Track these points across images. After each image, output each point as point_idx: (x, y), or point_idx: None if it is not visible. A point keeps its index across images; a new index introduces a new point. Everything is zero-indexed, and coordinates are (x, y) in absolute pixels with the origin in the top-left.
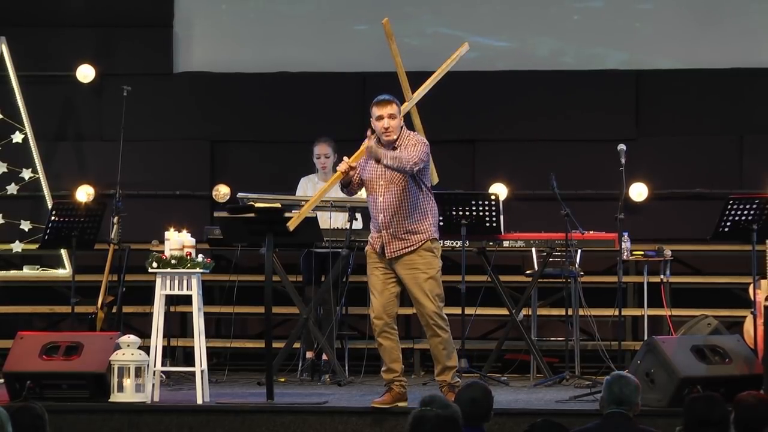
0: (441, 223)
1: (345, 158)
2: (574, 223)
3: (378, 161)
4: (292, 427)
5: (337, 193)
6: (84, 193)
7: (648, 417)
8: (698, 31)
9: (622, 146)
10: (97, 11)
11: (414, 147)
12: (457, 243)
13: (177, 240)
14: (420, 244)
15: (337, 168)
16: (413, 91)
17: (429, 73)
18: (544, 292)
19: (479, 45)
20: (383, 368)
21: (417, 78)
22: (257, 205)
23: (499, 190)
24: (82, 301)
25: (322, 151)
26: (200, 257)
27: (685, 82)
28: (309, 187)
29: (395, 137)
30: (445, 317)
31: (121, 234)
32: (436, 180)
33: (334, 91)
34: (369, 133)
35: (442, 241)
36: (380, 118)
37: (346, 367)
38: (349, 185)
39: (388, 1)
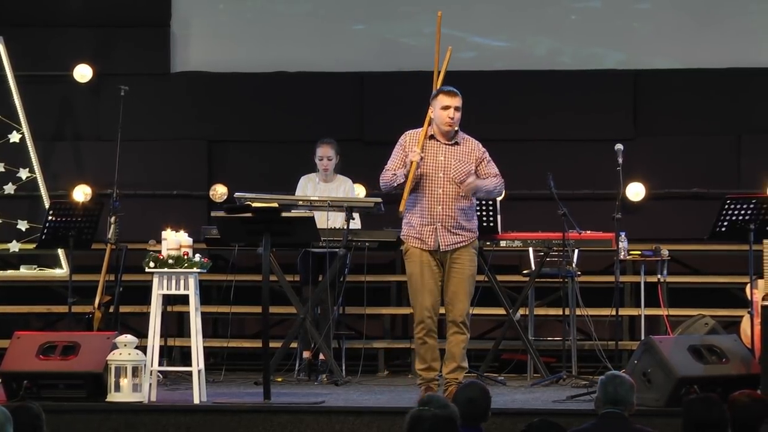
0: None
1: (415, 149)
2: (572, 222)
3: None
4: (289, 427)
5: (337, 193)
6: (81, 193)
7: (645, 417)
8: (696, 31)
9: (619, 146)
10: (94, 11)
11: (491, 163)
12: None
13: (174, 240)
14: (470, 240)
15: (412, 158)
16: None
17: (427, 73)
18: (541, 292)
19: (477, 45)
20: (422, 366)
21: (415, 77)
22: (254, 204)
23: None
24: (79, 301)
25: (324, 153)
26: (197, 257)
27: (682, 82)
28: (309, 187)
29: (456, 129)
30: None
31: (118, 234)
32: None
33: (332, 90)
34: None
35: None
36: (447, 107)
37: (343, 367)
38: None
39: (385, 1)
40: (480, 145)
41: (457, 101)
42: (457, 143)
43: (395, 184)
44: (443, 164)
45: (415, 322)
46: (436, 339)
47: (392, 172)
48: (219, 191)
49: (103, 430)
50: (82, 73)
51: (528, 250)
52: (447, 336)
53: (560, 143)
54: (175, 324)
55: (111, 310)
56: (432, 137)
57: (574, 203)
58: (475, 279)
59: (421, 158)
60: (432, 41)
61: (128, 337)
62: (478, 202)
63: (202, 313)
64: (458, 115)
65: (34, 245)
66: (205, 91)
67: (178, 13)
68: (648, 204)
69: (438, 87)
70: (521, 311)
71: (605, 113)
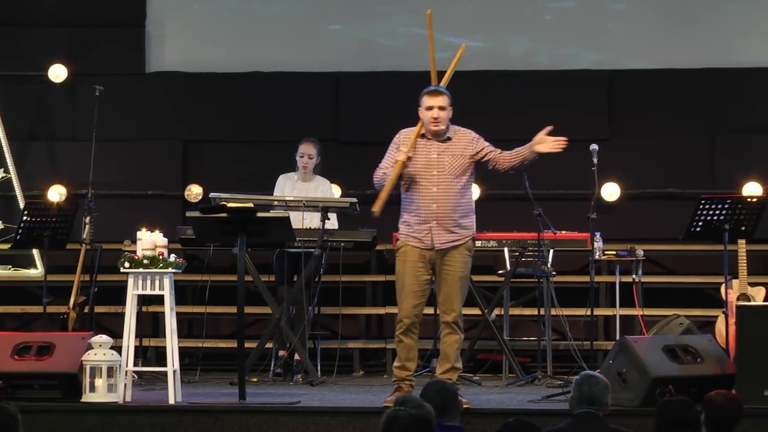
0: None
1: (401, 148)
2: (547, 222)
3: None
4: (264, 427)
5: (315, 194)
6: (56, 193)
7: (620, 417)
8: (671, 31)
9: (594, 146)
10: (69, 11)
11: (489, 144)
12: None
13: (149, 240)
14: (466, 240)
15: (398, 158)
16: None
17: (402, 73)
18: (516, 292)
19: (452, 45)
20: (397, 364)
21: (391, 78)
22: (229, 204)
23: (472, 189)
24: (54, 301)
25: (306, 150)
26: (172, 257)
27: (657, 82)
28: (287, 186)
29: (443, 128)
30: None
31: (93, 234)
32: None
33: (308, 91)
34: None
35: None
36: (430, 108)
37: (319, 367)
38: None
39: (361, 1)
40: (472, 134)
41: (439, 101)
42: (449, 139)
43: (384, 183)
44: (437, 162)
45: (397, 319)
46: (415, 339)
47: (383, 170)
48: (194, 191)
49: (78, 430)
50: (57, 73)
51: (503, 250)
52: (441, 337)
53: None
54: (150, 324)
55: (86, 310)
56: (424, 135)
57: (549, 203)
58: (468, 280)
59: (409, 158)
60: (406, 41)
61: (103, 338)
62: None
63: (177, 313)
64: (443, 114)
65: (8, 245)
66: (181, 91)
67: (153, 12)
68: (623, 204)
69: (442, 86)
70: (496, 311)
71: (580, 113)
